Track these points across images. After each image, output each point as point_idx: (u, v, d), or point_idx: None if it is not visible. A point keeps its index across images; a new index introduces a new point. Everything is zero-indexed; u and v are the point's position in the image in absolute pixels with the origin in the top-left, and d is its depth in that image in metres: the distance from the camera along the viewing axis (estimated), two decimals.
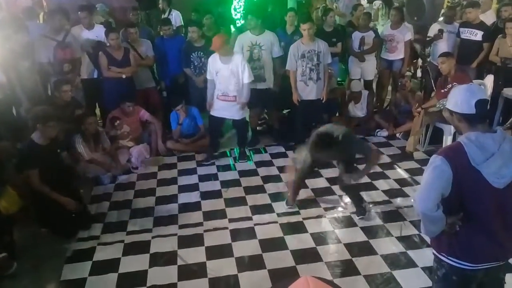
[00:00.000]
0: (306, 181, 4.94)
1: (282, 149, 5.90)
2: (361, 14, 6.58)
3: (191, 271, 3.59)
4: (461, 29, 6.26)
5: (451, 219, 2.17)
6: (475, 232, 2.18)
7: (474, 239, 2.19)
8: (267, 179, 5.12)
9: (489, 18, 6.81)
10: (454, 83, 5.10)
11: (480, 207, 2.14)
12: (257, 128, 6.29)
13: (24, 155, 4.02)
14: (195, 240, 3.99)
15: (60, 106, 5.26)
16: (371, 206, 4.45)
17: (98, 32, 6.00)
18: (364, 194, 4.65)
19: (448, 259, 2.26)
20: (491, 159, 2.06)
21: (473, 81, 5.40)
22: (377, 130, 6.22)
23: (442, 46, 6.34)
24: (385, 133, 6.16)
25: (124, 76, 5.68)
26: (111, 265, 3.70)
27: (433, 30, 6.47)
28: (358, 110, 6.35)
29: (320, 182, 4.96)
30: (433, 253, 2.39)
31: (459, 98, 2.17)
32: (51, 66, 5.57)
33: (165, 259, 3.75)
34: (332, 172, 5.15)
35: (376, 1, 12.60)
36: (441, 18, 6.76)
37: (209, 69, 5.30)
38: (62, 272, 3.65)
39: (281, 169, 5.29)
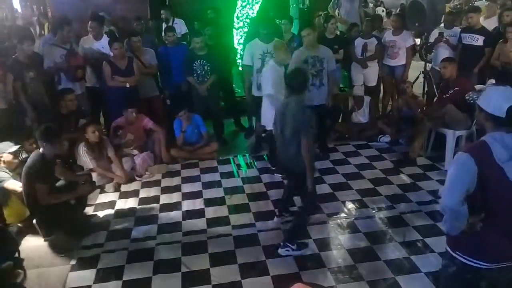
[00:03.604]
0: None
1: None
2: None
3: (194, 278, 3.61)
4: (463, 35, 6.28)
5: (472, 219, 2.20)
6: (494, 232, 2.21)
7: (492, 239, 2.22)
8: (270, 185, 5.13)
9: (494, 23, 6.83)
10: (456, 88, 5.13)
11: (501, 206, 2.17)
12: (262, 135, 6.29)
13: (34, 169, 4.01)
14: (199, 247, 4.01)
15: (64, 115, 5.34)
16: (374, 212, 4.46)
17: (105, 43, 6.07)
18: (368, 200, 4.68)
19: (464, 257, 2.29)
20: None
21: (475, 86, 5.41)
22: (379, 136, 6.22)
23: (444, 51, 6.35)
24: (387, 138, 6.16)
25: (128, 85, 5.73)
26: (115, 273, 3.73)
27: (433, 35, 6.50)
28: (361, 116, 6.37)
29: (324, 188, 4.97)
30: (446, 249, 2.41)
31: (493, 99, 2.20)
32: (63, 73, 5.71)
33: (169, 266, 3.78)
34: (336, 179, 5.18)
35: (378, 8, 12.75)
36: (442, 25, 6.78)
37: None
38: (67, 280, 3.68)
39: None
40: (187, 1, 8.54)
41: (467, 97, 4.87)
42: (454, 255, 2.34)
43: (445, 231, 2.31)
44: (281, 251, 3.86)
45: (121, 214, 4.68)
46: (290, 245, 3.84)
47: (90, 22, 6.18)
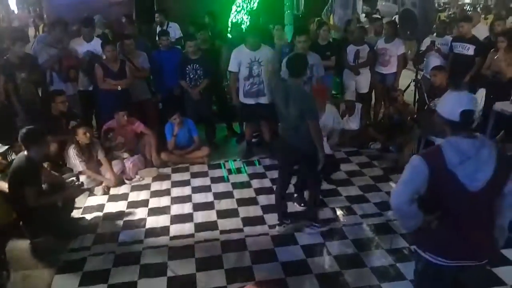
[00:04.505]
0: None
1: (276, 161, 5.90)
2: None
3: (180, 283, 3.60)
4: (454, 44, 6.34)
5: (428, 218, 2.28)
6: (450, 230, 2.27)
7: (449, 237, 2.28)
8: (259, 191, 5.13)
9: (480, 32, 6.90)
10: None
11: (455, 207, 2.24)
12: (252, 140, 6.31)
13: (20, 171, 3.99)
14: (186, 252, 4.00)
15: (55, 116, 5.33)
16: (362, 218, 4.47)
17: (96, 45, 6.08)
18: (356, 207, 4.69)
19: (425, 253, 2.37)
20: (467, 162, 2.15)
21: None
22: (370, 143, 6.25)
23: (435, 60, 6.40)
24: (378, 145, 6.19)
25: (119, 88, 5.74)
26: (101, 276, 3.71)
27: (425, 43, 6.54)
28: (352, 122, 6.39)
29: None
30: (414, 248, 2.51)
31: (447, 105, 2.27)
32: (56, 72, 5.74)
33: (155, 270, 3.77)
34: (325, 185, 5.19)
35: (374, 16, 12.83)
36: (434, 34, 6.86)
37: None
38: (52, 282, 3.66)
39: (275, 181, 5.28)
40: (181, 5, 8.57)
41: (431, 104, 4.93)
42: (419, 251, 2.42)
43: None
44: (308, 230, 4.21)
45: (109, 218, 4.66)
46: (316, 224, 4.22)
47: (83, 27, 6.20)
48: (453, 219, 2.25)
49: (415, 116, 5.91)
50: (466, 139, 2.19)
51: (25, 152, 4.00)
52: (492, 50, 5.99)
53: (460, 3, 15.55)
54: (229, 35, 7.55)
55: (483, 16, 8.67)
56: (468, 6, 15.19)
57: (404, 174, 2.28)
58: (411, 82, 6.85)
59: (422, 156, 2.24)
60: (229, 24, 8.63)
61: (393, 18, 10.15)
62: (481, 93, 6.14)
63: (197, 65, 6.01)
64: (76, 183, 4.43)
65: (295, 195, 4.74)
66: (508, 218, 2.39)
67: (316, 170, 4.06)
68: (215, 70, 6.35)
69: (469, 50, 6.18)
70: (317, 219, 4.29)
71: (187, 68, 6.01)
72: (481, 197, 2.19)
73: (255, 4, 8.83)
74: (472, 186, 2.16)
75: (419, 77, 6.60)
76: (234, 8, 8.84)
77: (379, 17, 10.04)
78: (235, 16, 8.77)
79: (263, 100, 5.72)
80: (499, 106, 5.52)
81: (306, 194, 4.73)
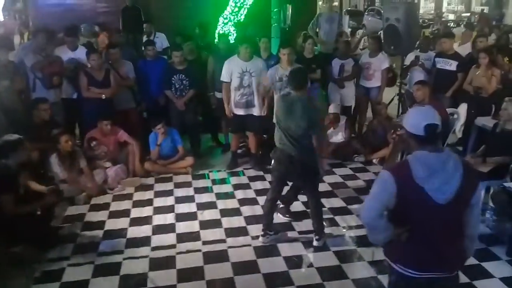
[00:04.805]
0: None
1: (260, 173, 5.91)
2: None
3: None
4: (436, 59, 6.45)
5: (398, 230, 2.30)
6: (419, 243, 2.29)
7: (418, 249, 2.30)
8: (243, 202, 5.12)
9: (465, 48, 7.04)
10: None
11: (423, 220, 2.26)
12: (237, 151, 6.31)
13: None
14: (167, 263, 3.95)
15: (37, 124, 5.26)
16: (344, 230, 4.48)
17: (80, 54, 6.05)
18: (339, 218, 4.70)
19: (396, 265, 2.38)
20: (434, 176, 2.18)
21: (448, 109, 5.53)
22: (354, 156, 6.30)
23: (419, 74, 6.50)
24: (362, 158, 6.24)
25: (103, 97, 5.70)
26: (79, 287, 3.65)
27: (409, 58, 6.65)
28: (336, 135, 6.42)
29: (296, 206, 4.96)
30: (385, 260, 2.51)
31: (411, 119, 2.31)
32: (39, 79, 5.66)
33: (135, 281, 3.71)
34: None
35: (359, 31, 13.02)
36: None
37: None
38: None
39: (259, 192, 5.31)
40: (169, 16, 8.60)
41: (398, 119, 4.99)
42: (390, 263, 2.43)
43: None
44: (317, 243, 4.18)
45: (90, 227, 4.59)
46: (323, 236, 4.20)
47: (66, 37, 6.18)
48: (423, 232, 2.27)
49: (398, 129, 5.96)
50: (432, 153, 2.22)
51: (3, 160, 3.93)
52: (473, 66, 6.10)
53: (444, 19, 15.90)
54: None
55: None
56: (452, 23, 15.51)
57: (373, 189, 2.31)
58: (394, 96, 6.93)
59: (390, 171, 2.26)
60: (216, 36, 8.68)
61: (378, 33, 10.34)
62: (463, 108, 6.25)
63: (183, 76, 6.02)
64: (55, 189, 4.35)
65: (281, 206, 4.73)
66: (477, 228, 2.44)
67: (315, 182, 4.12)
68: (201, 81, 6.35)
69: (452, 65, 6.30)
70: (323, 229, 4.25)
71: (173, 78, 6.02)
72: (449, 209, 2.21)
73: (242, 17, 8.92)
74: (440, 199, 2.18)
75: (402, 91, 6.69)
76: (221, 19, 8.89)
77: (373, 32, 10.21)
78: (222, 27, 8.83)
79: (253, 111, 5.73)
80: (480, 121, 5.61)
81: (292, 206, 4.77)
